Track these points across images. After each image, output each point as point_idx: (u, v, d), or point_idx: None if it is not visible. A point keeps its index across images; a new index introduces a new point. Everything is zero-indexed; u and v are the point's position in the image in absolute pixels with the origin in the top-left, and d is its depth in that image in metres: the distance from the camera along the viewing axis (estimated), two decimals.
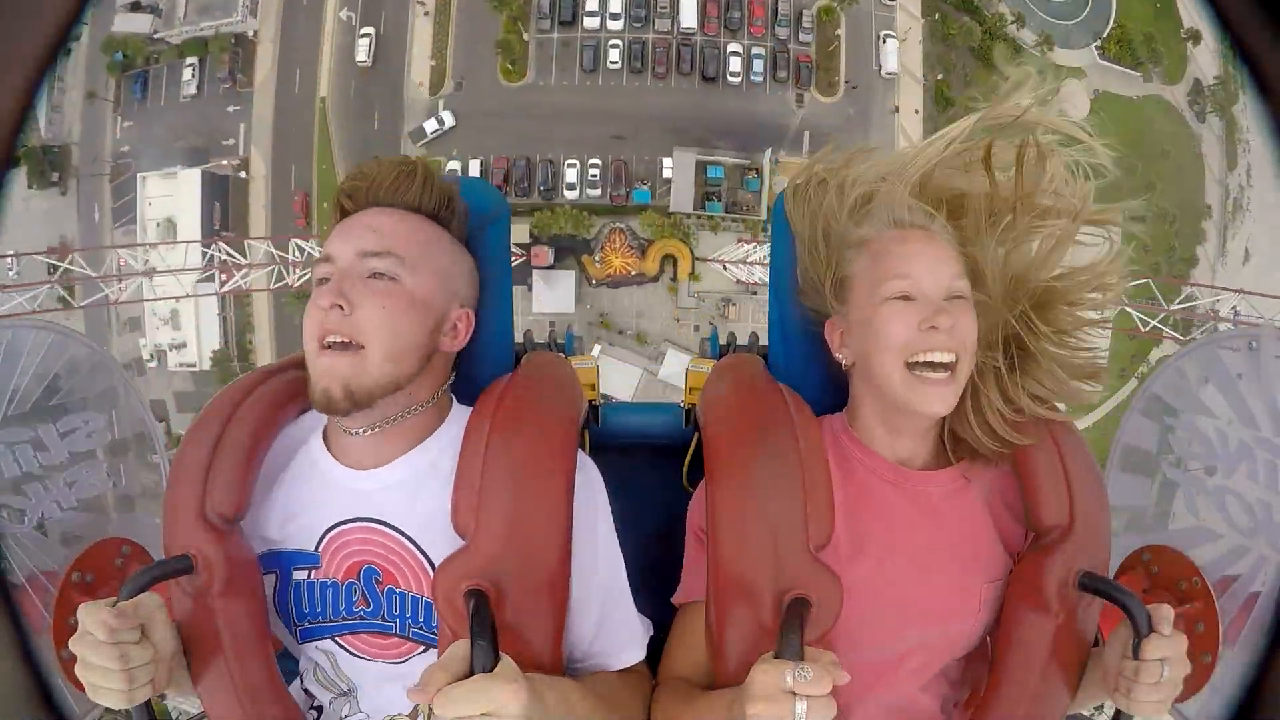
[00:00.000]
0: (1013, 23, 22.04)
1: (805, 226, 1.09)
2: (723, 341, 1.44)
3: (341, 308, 0.92)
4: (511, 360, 1.20)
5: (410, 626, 0.98)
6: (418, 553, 0.97)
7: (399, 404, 0.98)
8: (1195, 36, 22.26)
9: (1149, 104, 22.46)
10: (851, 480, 1.01)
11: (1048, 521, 0.93)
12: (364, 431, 0.97)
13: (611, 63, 22.06)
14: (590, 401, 1.21)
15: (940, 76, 21.94)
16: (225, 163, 21.62)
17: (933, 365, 0.94)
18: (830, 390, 1.11)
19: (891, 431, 1.01)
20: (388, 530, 0.97)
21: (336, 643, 1.02)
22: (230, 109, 22.23)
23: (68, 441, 1.41)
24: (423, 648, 0.98)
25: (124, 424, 1.52)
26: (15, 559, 1.26)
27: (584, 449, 1.11)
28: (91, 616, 0.79)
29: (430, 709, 0.72)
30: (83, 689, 0.82)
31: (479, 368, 1.11)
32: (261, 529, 1.02)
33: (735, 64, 21.88)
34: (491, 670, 0.74)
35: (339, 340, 0.92)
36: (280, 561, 1.01)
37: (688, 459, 1.23)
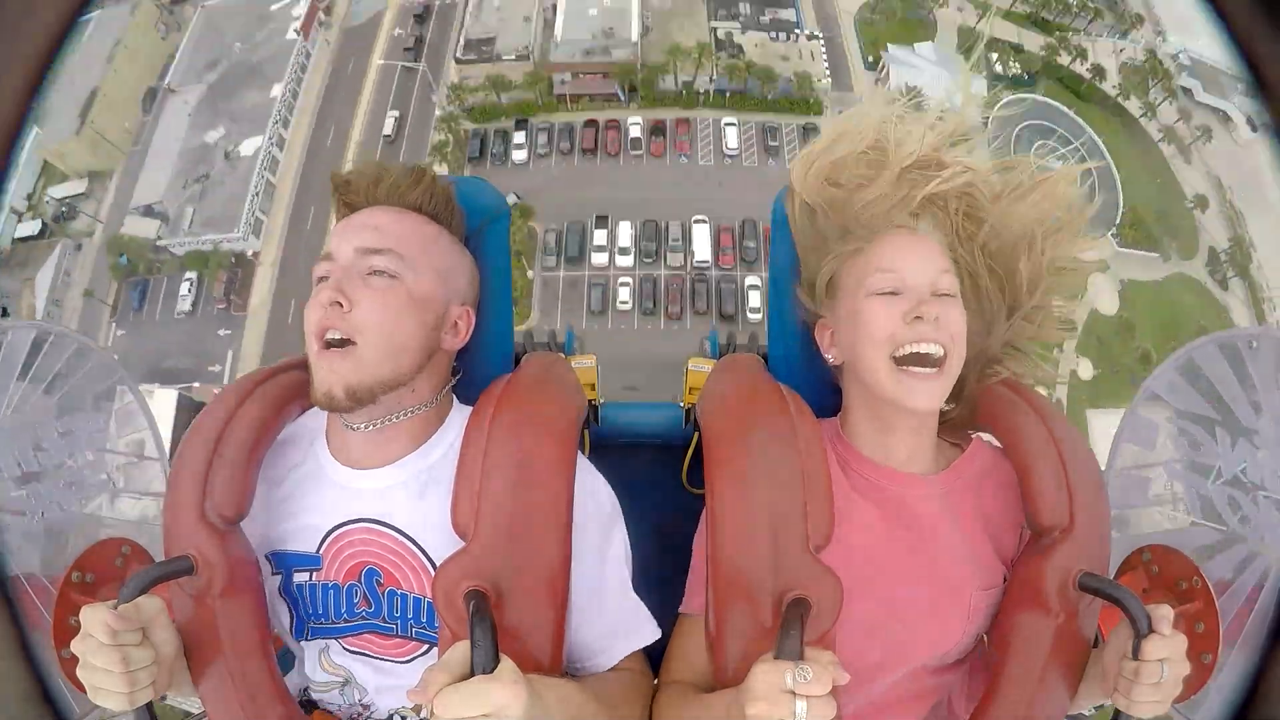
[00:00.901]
0: None
1: (801, 226, 1.09)
2: (722, 341, 1.44)
3: (341, 305, 0.92)
4: (511, 360, 1.20)
5: (413, 627, 0.99)
6: (419, 553, 0.97)
7: (400, 402, 0.98)
8: (1202, 202, 22.78)
9: (1173, 284, 22.71)
10: (842, 484, 1.01)
11: (1048, 522, 0.93)
12: (365, 427, 0.97)
13: (621, 302, 20.50)
14: (590, 401, 1.22)
15: None
16: (202, 386, 20.06)
17: (920, 359, 0.94)
18: (830, 391, 1.11)
19: (882, 430, 1.02)
20: (389, 531, 0.97)
21: (339, 644, 1.02)
22: (221, 332, 21.61)
23: (68, 441, 1.41)
24: (425, 647, 0.99)
25: (123, 424, 1.52)
26: (15, 559, 1.26)
27: (584, 448, 1.11)
28: (93, 618, 0.79)
29: (431, 710, 0.72)
30: (83, 690, 0.82)
31: (479, 367, 1.11)
32: (263, 531, 1.02)
33: (755, 299, 20.15)
34: (492, 671, 0.74)
35: (339, 337, 0.92)
36: (282, 563, 1.01)
37: (687, 458, 1.23)
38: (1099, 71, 26.19)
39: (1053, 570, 0.90)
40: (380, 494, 0.98)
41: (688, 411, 1.33)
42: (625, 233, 21.76)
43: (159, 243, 22.64)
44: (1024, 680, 0.92)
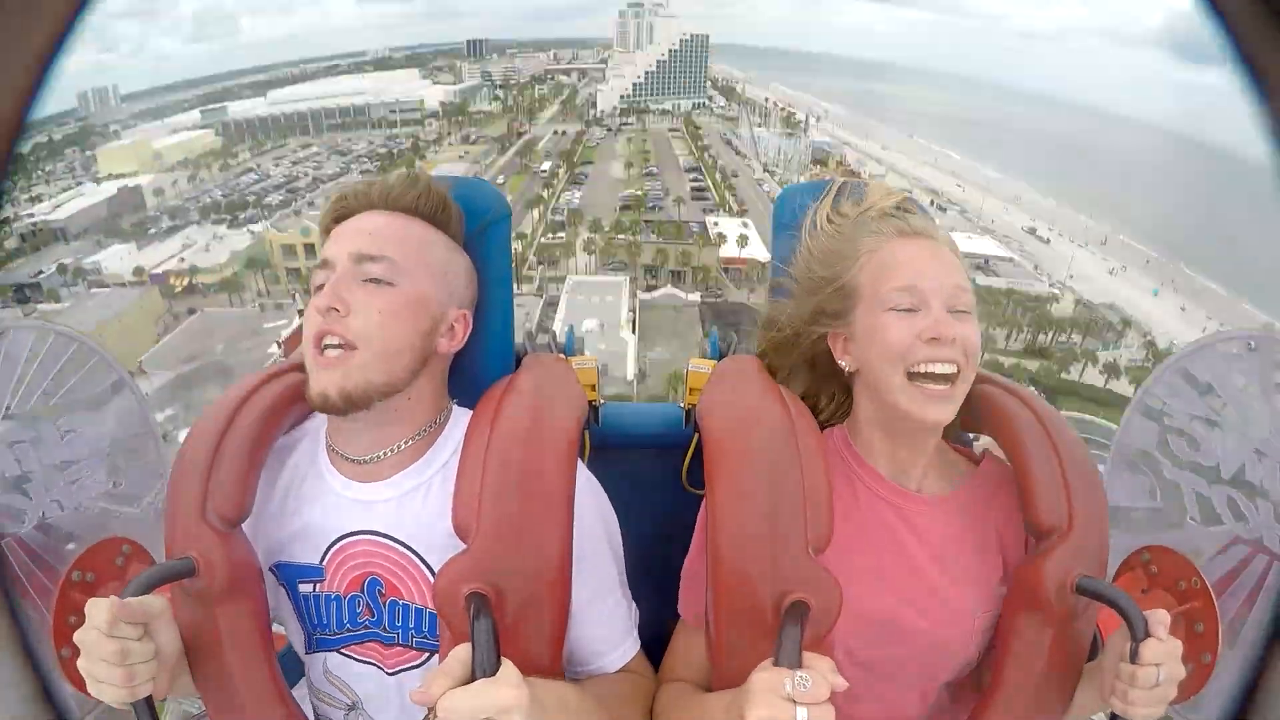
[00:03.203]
0: None
1: (817, 239, 1.09)
2: (722, 343, 1.44)
3: (337, 310, 0.93)
4: (512, 362, 1.20)
5: (414, 637, 0.99)
6: (421, 564, 0.97)
7: (399, 409, 0.98)
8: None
9: None
10: (847, 493, 1.02)
11: (1046, 524, 0.93)
12: (363, 433, 0.98)
13: None
14: (590, 402, 1.21)
15: None
16: None
17: (934, 376, 0.94)
18: None
19: (891, 438, 1.02)
20: (390, 543, 0.98)
21: (342, 653, 1.02)
22: None
23: (68, 441, 1.41)
24: (427, 654, 0.99)
25: (124, 424, 1.52)
26: (15, 559, 1.26)
27: (584, 449, 1.11)
28: (96, 609, 0.80)
29: (434, 713, 0.72)
30: (83, 687, 0.82)
31: (479, 369, 1.11)
32: (267, 543, 1.02)
33: None
34: (493, 674, 0.74)
35: (335, 342, 0.93)
36: (285, 575, 1.02)
37: (687, 459, 1.23)
38: (1112, 370, 26.61)
39: (1051, 573, 0.90)
40: (382, 505, 0.98)
41: (688, 412, 1.33)
42: None
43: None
44: (1021, 683, 0.92)
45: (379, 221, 0.99)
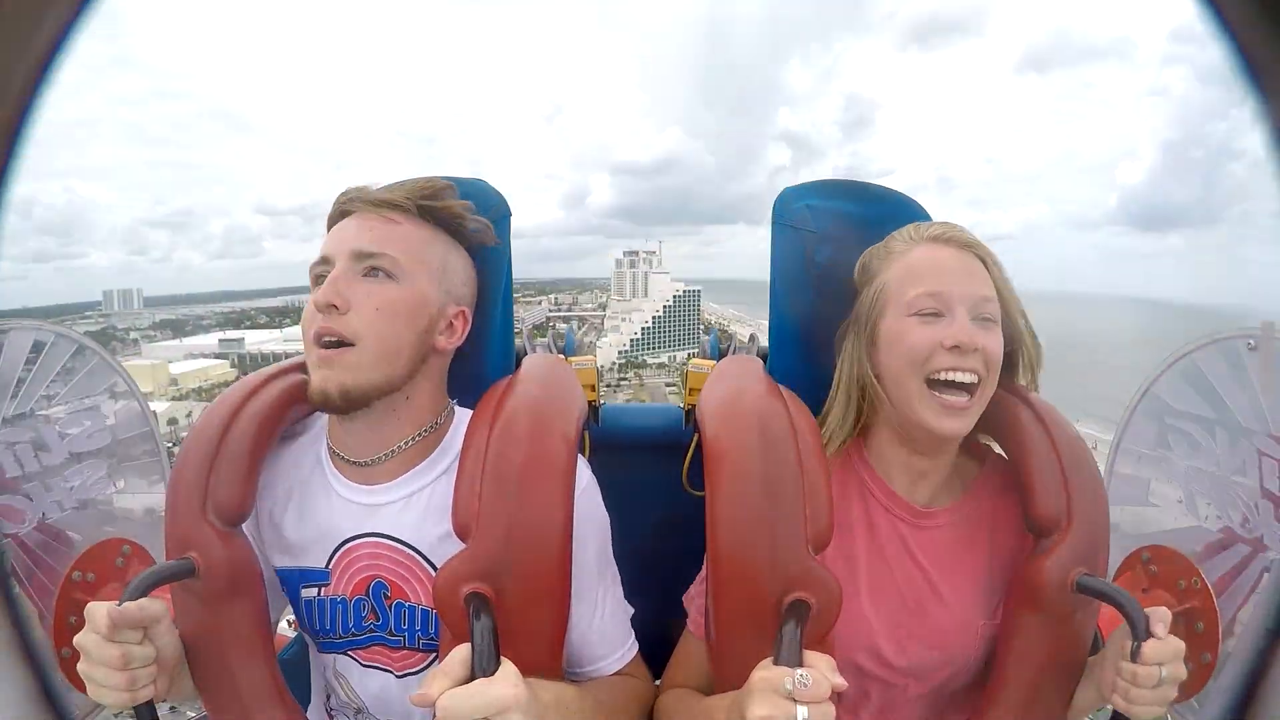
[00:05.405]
0: None
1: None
2: (722, 343, 1.44)
3: (336, 307, 0.93)
4: (513, 362, 1.20)
5: (420, 639, 0.99)
6: (426, 566, 0.97)
7: (398, 408, 0.98)
8: None
9: None
10: (858, 506, 1.02)
11: (1046, 523, 0.93)
12: (364, 434, 0.98)
13: None
14: (590, 402, 1.21)
15: None
16: None
17: (953, 385, 0.93)
18: (829, 393, 1.11)
19: (905, 444, 1.01)
20: (396, 545, 0.98)
21: (348, 656, 1.02)
22: None
23: (68, 441, 1.41)
24: (435, 656, 0.99)
25: (124, 424, 1.52)
26: (15, 559, 1.26)
27: (584, 449, 1.11)
28: (96, 612, 0.80)
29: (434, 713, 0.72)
30: (84, 689, 0.82)
31: (479, 369, 1.11)
32: (271, 548, 1.02)
33: None
34: (492, 674, 0.74)
35: (334, 340, 0.93)
36: (290, 579, 1.02)
37: (687, 459, 1.23)
38: None
39: (1051, 571, 0.90)
40: (387, 508, 0.98)
41: (688, 412, 1.33)
42: None
43: None
44: (1022, 681, 0.92)
45: (379, 219, 0.99)
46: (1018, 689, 0.93)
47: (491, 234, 1.09)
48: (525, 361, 1.15)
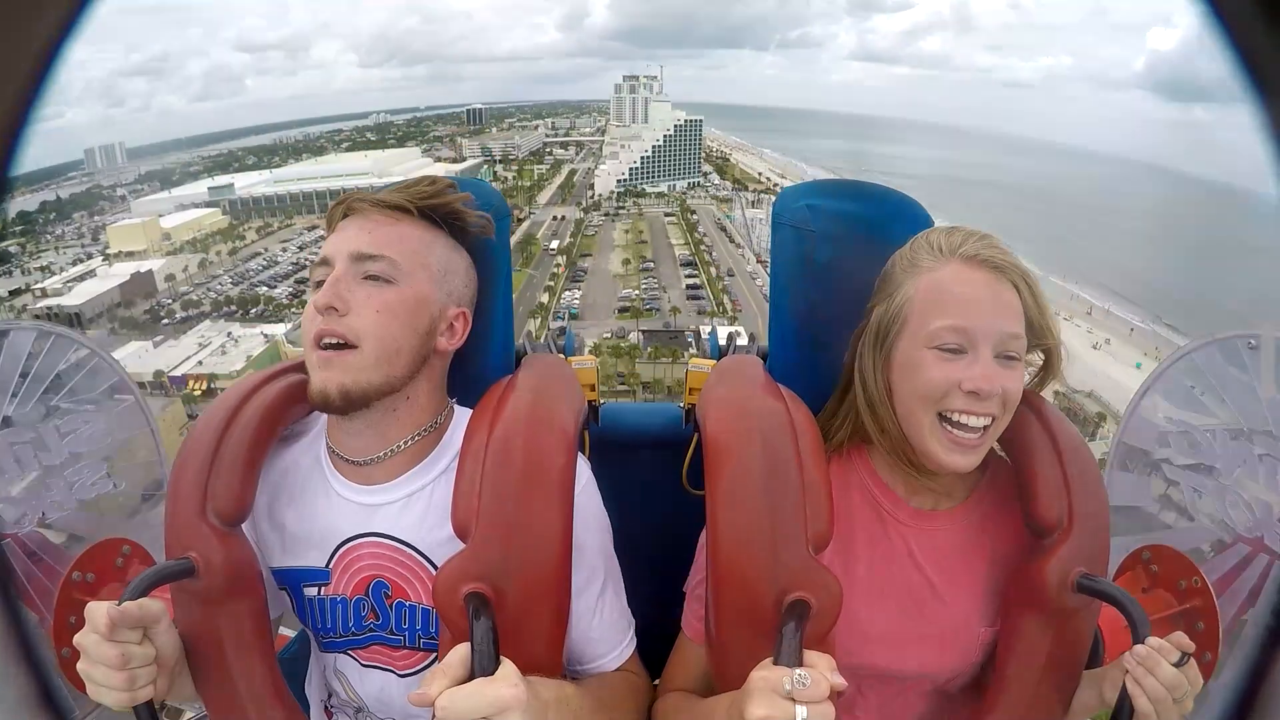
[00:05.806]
0: None
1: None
2: (722, 342, 1.44)
3: (336, 309, 0.93)
4: (512, 362, 1.20)
5: (420, 638, 1.00)
6: (427, 565, 0.97)
7: (398, 409, 0.98)
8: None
9: None
10: (861, 513, 1.02)
11: (1047, 523, 0.93)
12: (363, 434, 0.98)
13: None
14: (590, 401, 1.21)
15: None
16: None
17: (966, 426, 0.92)
18: (829, 392, 1.11)
19: (910, 466, 0.99)
20: (396, 544, 0.98)
21: (349, 656, 1.02)
22: None
23: (68, 442, 1.41)
24: (432, 656, 0.99)
25: (124, 424, 1.53)
26: (15, 559, 1.26)
27: (584, 449, 1.11)
28: (96, 613, 0.80)
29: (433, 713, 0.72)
30: (84, 689, 0.82)
31: (479, 369, 1.11)
32: (272, 548, 1.02)
33: None
34: (492, 674, 0.74)
35: (334, 341, 0.93)
36: (291, 579, 1.02)
37: (687, 458, 1.23)
38: None
39: (1052, 571, 0.90)
40: (387, 508, 0.99)
41: (688, 412, 1.33)
42: None
43: None
44: (1022, 681, 0.92)
45: (380, 221, 0.99)
46: (1018, 689, 0.92)
47: (492, 227, 1.09)
48: (525, 361, 1.15)
